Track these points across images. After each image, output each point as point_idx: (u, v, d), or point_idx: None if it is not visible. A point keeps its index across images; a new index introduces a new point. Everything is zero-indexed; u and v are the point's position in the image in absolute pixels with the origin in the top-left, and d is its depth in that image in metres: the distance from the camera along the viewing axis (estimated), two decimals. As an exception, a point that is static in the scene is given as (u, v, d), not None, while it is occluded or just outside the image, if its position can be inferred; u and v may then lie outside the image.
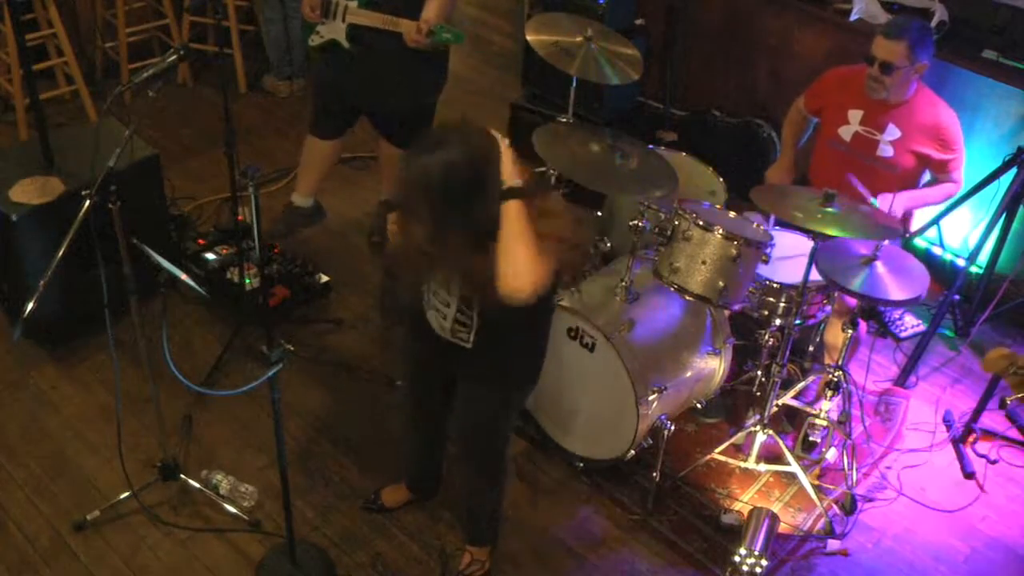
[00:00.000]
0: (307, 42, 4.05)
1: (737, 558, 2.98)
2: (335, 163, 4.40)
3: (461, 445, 2.92)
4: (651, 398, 3.16)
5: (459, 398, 2.78)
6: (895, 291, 3.01)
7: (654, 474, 3.29)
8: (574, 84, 3.66)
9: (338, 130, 4.22)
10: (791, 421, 3.65)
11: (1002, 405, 3.57)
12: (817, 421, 3.45)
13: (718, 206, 3.43)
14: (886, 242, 3.09)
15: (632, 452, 3.28)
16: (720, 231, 3.03)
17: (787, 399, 3.48)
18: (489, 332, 2.51)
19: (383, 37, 3.74)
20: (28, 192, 3.51)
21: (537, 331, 2.65)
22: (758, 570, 2.96)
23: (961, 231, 4.33)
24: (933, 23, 4.08)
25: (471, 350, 2.56)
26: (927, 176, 3.59)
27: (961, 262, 4.18)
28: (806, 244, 3.19)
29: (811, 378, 3.61)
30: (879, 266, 3.05)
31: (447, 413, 2.87)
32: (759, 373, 3.52)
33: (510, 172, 2.26)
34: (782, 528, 3.24)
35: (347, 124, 4.21)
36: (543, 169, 2.83)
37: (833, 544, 3.25)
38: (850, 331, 3.26)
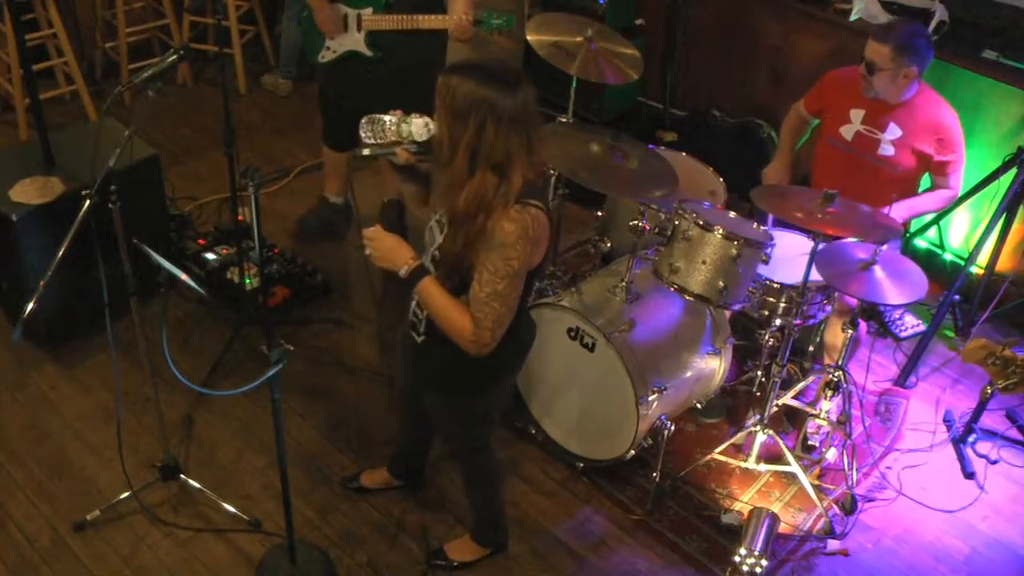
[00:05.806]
0: (314, 59, 3.90)
1: (737, 558, 2.98)
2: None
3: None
4: (651, 398, 3.16)
5: None
6: (893, 296, 3.02)
7: (654, 474, 3.29)
8: (574, 84, 3.65)
9: (353, 140, 4.21)
10: (791, 421, 3.65)
11: (984, 396, 3.56)
12: (817, 421, 3.45)
13: (718, 206, 3.43)
14: (884, 247, 3.09)
15: (632, 452, 3.28)
16: (720, 231, 3.03)
17: (787, 399, 3.48)
18: (435, 331, 2.48)
19: (402, 41, 3.70)
20: (28, 192, 3.51)
21: None
22: (758, 570, 2.96)
23: (961, 231, 4.33)
24: (933, 23, 4.08)
25: (421, 347, 2.58)
26: (927, 181, 3.59)
27: (961, 262, 4.18)
28: (806, 244, 3.19)
29: (811, 378, 3.61)
30: (877, 271, 3.05)
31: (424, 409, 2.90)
32: (759, 373, 3.52)
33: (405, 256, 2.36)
34: (782, 528, 3.24)
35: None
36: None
37: (833, 544, 3.25)
38: (850, 331, 3.26)
